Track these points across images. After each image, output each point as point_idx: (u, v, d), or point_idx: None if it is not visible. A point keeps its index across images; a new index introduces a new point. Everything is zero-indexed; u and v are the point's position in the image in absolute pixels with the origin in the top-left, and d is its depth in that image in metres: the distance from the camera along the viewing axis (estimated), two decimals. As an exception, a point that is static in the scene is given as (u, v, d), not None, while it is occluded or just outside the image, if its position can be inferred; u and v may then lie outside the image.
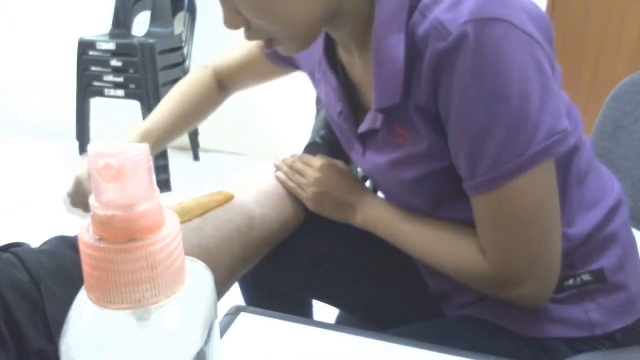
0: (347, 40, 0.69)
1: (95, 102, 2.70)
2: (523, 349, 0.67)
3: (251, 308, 0.59)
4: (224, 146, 2.98)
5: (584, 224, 0.67)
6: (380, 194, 0.80)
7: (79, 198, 0.82)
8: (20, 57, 3.19)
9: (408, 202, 0.72)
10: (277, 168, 0.86)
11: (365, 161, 0.73)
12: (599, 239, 0.68)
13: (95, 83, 2.58)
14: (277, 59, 0.88)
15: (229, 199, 0.76)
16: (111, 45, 2.51)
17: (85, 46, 2.54)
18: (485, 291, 0.68)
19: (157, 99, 2.47)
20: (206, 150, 2.99)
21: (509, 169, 0.57)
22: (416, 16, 0.58)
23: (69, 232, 0.57)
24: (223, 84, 0.98)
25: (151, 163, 0.25)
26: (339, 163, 0.82)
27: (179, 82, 0.98)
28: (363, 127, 0.70)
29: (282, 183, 0.83)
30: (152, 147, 0.87)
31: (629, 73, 0.94)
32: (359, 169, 0.91)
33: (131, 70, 2.50)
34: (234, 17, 0.60)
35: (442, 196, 0.68)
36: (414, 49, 0.59)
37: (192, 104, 0.95)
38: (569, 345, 0.67)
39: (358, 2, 0.62)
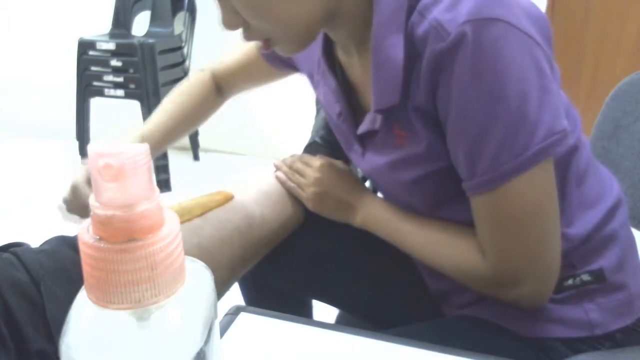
0: (345, 41, 0.69)
1: (95, 102, 2.70)
2: (523, 349, 0.67)
3: (251, 308, 0.59)
4: (224, 146, 2.98)
5: (584, 224, 0.67)
6: (379, 195, 0.80)
7: (75, 205, 0.81)
8: (20, 57, 3.19)
9: (407, 202, 0.72)
10: (277, 168, 0.86)
11: (365, 162, 0.73)
12: (599, 239, 0.68)
13: (95, 83, 2.58)
14: (275, 61, 0.88)
15: (229, 199, 0.76)
16: (111, 45, 2.51)
17: (85, 46, 2.54)
18: (484, 291, 0.68)
19: (157, 99, 2.47)
20: (206, 150, 2.99)
21: (507, 169, 0.57)
22: (415, 17, 0.58)
23: (69, 232, 0.57)
24: (221, 87, 0.98)
25: (151, 163, 0.25)
26: (339, 163, 0.82)
27: (177, 86, 0.98)
28: (362, 128, 0.70)
29: (282, 183, 0.84)
30: (152, 149, 0.87)
31: (629, 73, 0.94)
32: (358, 169, 0.91)
33: (131, 70, 2.50)
34: (231, 17, 0.60)
35: (442, 197, 0.68)
36: (412, 49, 0.59)
37: (190, 108, 0.95)
38: (569, 345, 0.67)
39: (357, 2, 0.62)
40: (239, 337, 0.55)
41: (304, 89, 0.85)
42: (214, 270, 0.31)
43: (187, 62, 2.71)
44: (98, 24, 2.77)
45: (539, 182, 0.59)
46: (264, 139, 2.90)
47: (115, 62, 2.52)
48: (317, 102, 1.09)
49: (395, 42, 0.60)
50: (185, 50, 2.69)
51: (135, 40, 2.49)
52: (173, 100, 0.96)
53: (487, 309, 0.70)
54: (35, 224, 1.68)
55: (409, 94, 0.61)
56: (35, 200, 2.34)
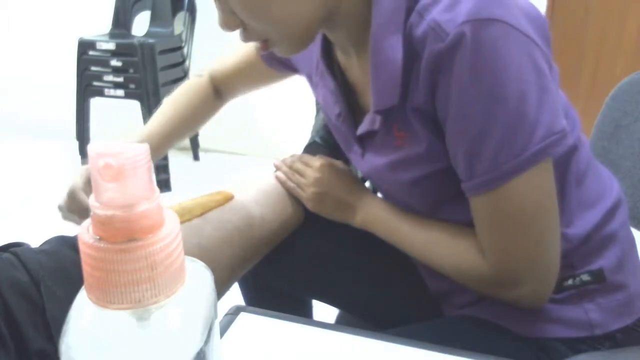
0: (344, 42, 0.68)
1: (95, 102, 2.70)
2: (523, 349, 0.67)
3: (251, 308, 0.59)
4: (224, 146, 2.98)
5: (583, 224, 0.67)
6: (379, 195, 0.80)
7: (72, 210, 0.80)
8: (20, 57, 3.19)
9: (407, 203, 0.72)
10: (277, 168, 0.86)
11: (364, 163, 0.73)
12: (598, 239, 0.68)
13: (95, 83, 2.58)
14: (274, 62, 0.88)
15: (228, 199, 0.76)
16: (111, 45, 2.51)
17: (85, 46, 2.54)
18: (484, 292, 0.68)
19: (157, 99, 2.47)
20: (206, 150, 2.99)
21: (507, 170, 0.57)
22: (414, 17, 0.58)
23: (69, 232, 0.57)
24: (219, 90, 0.98)
25: (151, 163, 0.25)
26: (339, 163, 0.82)
27: (175, 90, 0.98)
28: (361, 129, 0.70)
29: (282, 183, 0.83)
30: (151, 154, 0.87)
31: (629, 73, 0.94)
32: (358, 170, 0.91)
33: (131, 70, 2.50)
34: (229, 18, 0.60)
35: (441, 197, 0.68)
36: (411, 50, 0.59)
37: (189, 112, 0.95)
38: (569, 345, 0.67)
39: (355, 3, 0.62)
40: (239, 337, 0.55)
41: (304, 89, 0.85)
42: (214, 270, 0.31)
43: (187, 62, 2.71)
44: (98, 24, 2.77)
45: (538, 182, 0.59)
46: (264, 139, 2.90)
47: (115, 62, 2.52)
48: (317, 102, 1.09)
49: (394, 43, 0.60)
50: (185, 50, 2.69)
51: (135, 40, 2.49)
52: (171, 105, 0.95)
53: (487, 309, 0.70)
54: (35, 224, 1.68)
55: (408, 95, 0.61)
56: (35, 200, 2.34)
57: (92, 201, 0.25)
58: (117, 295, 0.25)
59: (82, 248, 0.25)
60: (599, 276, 0.67)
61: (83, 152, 2.72)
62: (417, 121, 0.62)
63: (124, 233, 0.24)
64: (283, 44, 0.63)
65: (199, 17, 2.74)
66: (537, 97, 0.56)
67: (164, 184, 2.47)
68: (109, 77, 2.54)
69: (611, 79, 1.30)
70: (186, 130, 0.97)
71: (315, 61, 0.76)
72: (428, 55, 0.56)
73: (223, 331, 0.55)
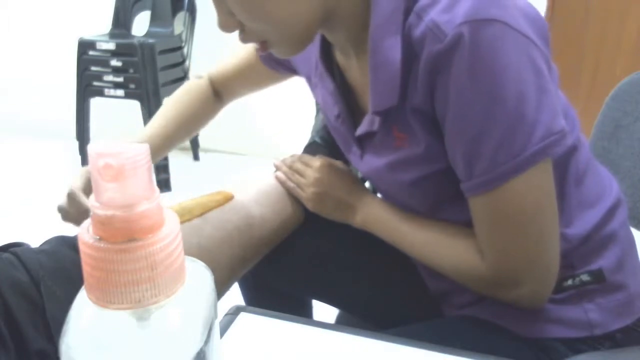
0: (343, 43, 0.68)
1: (95, 102, 2.70)
2: (523, 349, 0.67)
3: (251, 308, 0.59)
4: (224, 146, 2.98)
5: (583, 224, 0.67)
6: (379, 195, 0.80)
7: (71, 212, 0.80)
8: (20, 57, 3.19)
9: (407, 203, 0.72)
10: (277, 168, 0.86)
11: (364, 164, 0.73)
12: (598, 239, 0.68)
13: (95, 83, 2.58)
14: (273, 64, 0.88)
15: (228, 199, 0.76)
16: (111, 45, 2.51)
17: (85, 46, 2.54)
18: (483, 292, 0.68)
19: (157, 99, 2.47)
20: (206, 150, 2.99)
21: (505, 170, 0.57)
22: (412, 18, 0.58)
23: (69, 232, 0.57)
24: (219, 92, 0.98)
25: (151, 163, 0.25)
26: (339, 163, 0.82)
27: (175, 92, 0.98)
28: (361, 130, 0.70)
29: (282, 183, 0.84)
30: (153, 155, 0.87)
31: (629, 73, 0.94)
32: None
33: (131, 70, 2.50)
34: (228, 19, 0.60)
35: (441, 198, 0.68)
36: (410, 51, 0.59)
37: (189, 114, 0.96)
38: (569, 345, 0.67)
39: (353, 4, 0.62)
40: (239, 337, 0.55)
41: (304, 89, 0.85)
42: (214, 270, 0.31)
43: (187, 62, 2.71)
44: (98, 24, 2.77)
45: (537, 182, 0.59)
46: (264, 139, 2.90)
47: (115, 62, 2.52)
48: (317, 102, 1.09)
49: (392, 44, 0.60)
50: (185, 50, 2.69)
51: (135, 40, 2.49)
52: (171, 107, 0.96)
53: (487, 309, 0.70)
54: (35, 224, 1.68)
55: (406, 96, 0.61)
56: (35, 200, 2.34)
57: (92, 201, 0.25)
58: (117, 295, 0.25)
59: (82, 248, 0.25)
60: (598, 276, 0.67)
61: (83, 152, 2.72)
62: (416, 122, 0.62)
63: (124, 233, 0.24)
64: (282, 45, 0.63)
65: (199, 17, 2.74)
66: (536, 97, 0.56)
67: (164, 184, 2.48)
68: (109, 77, 2.54)
69: (611, 79, 1.31)
70: (186, 133, 0.98)
71: (314, 62, 0.76)
72: (426, 56, 0.56)
73: (223, 331, 0.55)
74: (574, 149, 0.66)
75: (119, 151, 0.24)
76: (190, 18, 2.72)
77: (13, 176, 2.70)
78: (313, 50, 0.75)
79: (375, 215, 0.75)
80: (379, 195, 0.80)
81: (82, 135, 2.72)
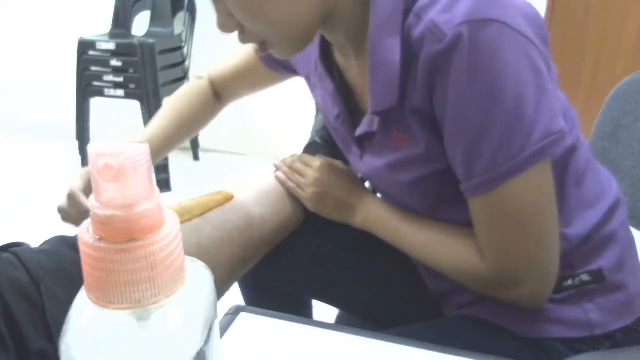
0: (343, 44, 0.68)
1: (95, 102, 2.70)
2: (523, 349, 0.67)
3: (251, 308, 0.59)
4: (224, 146, 2.98)
5: (583, 224, 0.67)
6: (379, 195, 0.80)
7: (71, 212, 0.79)
8: (20, 57, 3.19)
9: (407, 203, 0.72)
10: (277, 168, 0.86)
11: (363, 164, 0.73)
12: (598, 239, 0.68)
13: (95, 83, 2.58)
14: (273, 64, 0.88)
15: (228, 199, 0.76)
16: (111, 45, 2.51)
17: (85, 46, 2.54)
18: (483, 292, 0.68)
19: (157, 99, 2.47)
20: (206, 150, 2.99)
21: (505, 170, 0.57)
22: (411, 19, 0.58)
23: (69, 232, 0.57)
24: (219, 93, 0.98)
25: (151, 163, 0.25)
26: (339, 163, 0.82)
27: (175, 93, 0.98)
28: (360, 130, 0.70)
29: (282, 183, 0.84)
30: (153, 156, 0.87)
31: (629, 73, 0.94)
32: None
33: (131, 70, 2.50)
34: (227, 20, 0.61)
35: (441, 198, 0.68)
36: (409, 51, 0.59)
37: (189, 115, 0.96)
38: (569, 345, 0.67)
39: (352, 5, 0.62)
40: (239, 337, 0.55)
41: (304, 89, 0.85)
42: (214, 270, 0.31)
43: (187, 62, 2.71)
44: (98, 24, 2.77)
45: (537, 182, 0.59)
46: (264, 139, 2.90)
47: (115, 62, 2.52)
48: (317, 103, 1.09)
49: (391, 44, 0.60)
50: (185, 50, 2.69)
51: (135, 40, 2.49)
52: (172, 108, 0.96)
53: (487, 309, 0.70)
54: (35, 224, 1.68)
55: (406, 96, 0.61)
56: (35, 200, 2.34)
57: (92, 201, 0.25)
58: (117, 295, 0.25)
59: (82, 248, 0.25)
60: (598, 276, 0.67)
61: (83, 152, 2.72)
62: (416, 122, 0.62)
63: (124, 233, 0.24)
64: (281, 46, 0.63)
65: (199, 17, 2.74)
66: (535, 97, 0.56)
67: (164, 184, 2.48)
68: (109, 77, 2.54)
69: (611, 79, 1.31)
70: (186, 134, 0.98)
71: (313, 62, 0.76)
72: (425, 57, 0.56)
73: (223, 331, 0.55)
74: (573, 149, 0.66)
75: (119, 151, 0.24)
76: (190, 18, 2.72)
77: (13, 176, 2.70)
78: (313, 50, 0.75)
79: (375, 215, 0.75)
80: (379, 195, 0.80)
81: (82, 135, 2.72)
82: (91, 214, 0.25)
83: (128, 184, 0.24)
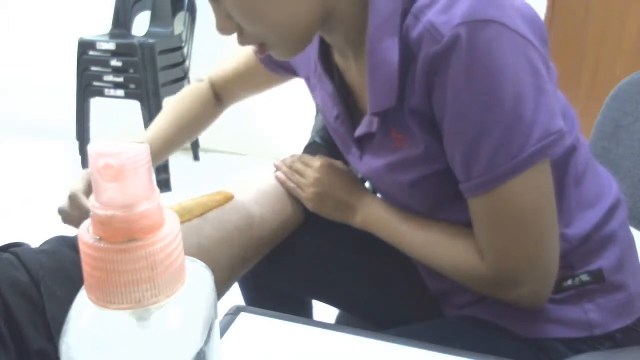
0: (342, 45, 0.68)
1: (95, 102, 2.70)
2: (523, 349, 0.67)
3: (251, 308, 0.59)
4: (224, 146, 2.98)
5: (582, 224, 0.67)
6: (379, 195, 0.80)
7: (72, 213, 0.79)
8: (20, 57, 3.19)
9: (406, 203, 0.72)
10: (277, 168, 0.86)
11: (363, 165, 0.73)
12: (598, 239, 0.68)
13: (95, 83, 2.58)
14: (272, 66, 0.88)
15: (228, 199, 0.76)
16: (111, 45, 2.51)
17: (85, 46, 2.54)
18: (483, 292, 0.68)
19: (157, 99, 2.47)
20: (206, 150, 2.99)
21: (504, 171, 0.57)
22: (410, 19, 0.58)
23: (69, 232, 0.57)
24: (220, 95, 0.98)
25: (151, 163, 0.25)
26: (339, 163, 0.82)
27: (175, 95, 0.98)
28: (359, 131, 0.70)
29: (282, 183, 0.84)
30: (153, 158, 0.87)
31: (629, 73, 0.94)
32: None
33: (131, 70, 2.50)
34: (226, 22, 0.61)
35: (441, 198, 0.68)
36: (408, 52, 0.59)
37: (190, 117, 0.96)
38: (569, 345, 0.67)
39: (351, 6, 0.62)
40: (239, 337, 0.55)
41: (303, 90, 0.85)
42: (214, 270, 0.31)
43: (187, 62, 2.71)
44: (98, 24, 2.77)
45: (536, 183, 0.59)
46: (264, 139, 2.90)
47: (115, 62, 2.52)
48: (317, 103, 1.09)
49: (390, 45, 0.60)
50: (185, 50, 2.69)
51: (135, 40, 2.49)
52: (172, 110, 0.96)
53: (487, 309, 0.70)
54: (35, 224, 1.68)
55: (404, 97, 0.61)
56: (35, 200, 2.34)
57: (92, 201, 0.25)
58: (117, 295, 0.25)
59: (82, 248, 0.25)
60: (598, 276, 0.67)
61: (83, 152, 2.73)
62: (415, 123, 0.62)
63: (124, 233, 0.24)
64: (280, 47, 0.63)
65: (199, 17, 2.74)
66: (534, 98, 0.56)
67: (164, 184, 2.48)
68: (109, 77, 2.54)
69: (611, 79, 1.31)
70: (187, 136, 0.98)
71: (313, 63, 0.76)
72: (424, 57, 0.56)
73: (223, 331, 0.55)
74: (573, 149, 0.66)
75: (119, 151, 0.24)
76: (190, 18, 2.72)
77: (13, 176, 2.70)
78: (312, 51, 0.75)
79: (375, 215, 0.75)
80: (378, 195, 0.80)
81: (82, 135, 2.72)
82: (91, 213, 0.25)
83: (128, 184, 0.24)
